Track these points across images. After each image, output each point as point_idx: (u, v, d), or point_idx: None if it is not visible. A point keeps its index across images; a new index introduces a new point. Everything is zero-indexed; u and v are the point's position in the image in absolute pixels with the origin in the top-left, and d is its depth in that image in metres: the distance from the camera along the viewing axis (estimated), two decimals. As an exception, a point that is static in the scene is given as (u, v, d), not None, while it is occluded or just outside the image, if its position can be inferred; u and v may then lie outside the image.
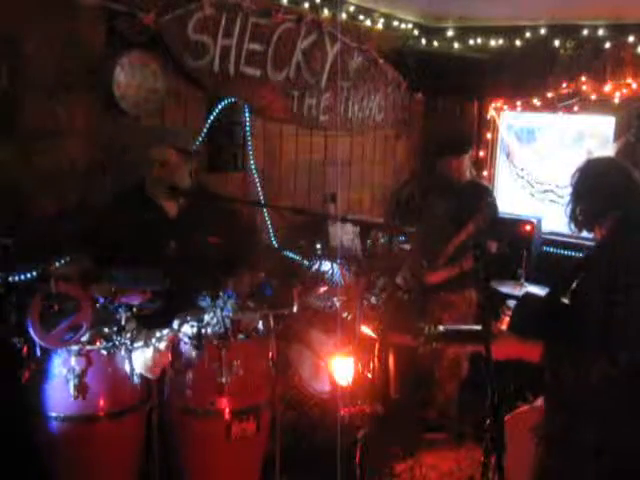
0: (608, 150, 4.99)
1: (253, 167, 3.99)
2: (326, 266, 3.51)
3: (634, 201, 2.14)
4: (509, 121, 5.48)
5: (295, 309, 2.81)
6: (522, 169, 5.46)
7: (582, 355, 2.01)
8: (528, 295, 3.75)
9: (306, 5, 4.09)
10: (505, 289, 4.13)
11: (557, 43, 4.96)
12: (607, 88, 4.82)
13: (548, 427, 2.17)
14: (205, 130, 3.67)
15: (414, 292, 4.13)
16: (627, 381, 1.99)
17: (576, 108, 4.99)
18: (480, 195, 4.07)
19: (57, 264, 2.58)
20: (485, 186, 4.40)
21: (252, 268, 3.13)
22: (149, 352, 2.42)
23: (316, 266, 3.43)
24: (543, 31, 4.95)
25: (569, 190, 2.23)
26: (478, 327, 2.05)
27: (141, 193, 3.00)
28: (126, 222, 2.82)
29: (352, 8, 4.48)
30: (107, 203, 3.03)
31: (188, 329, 2.58)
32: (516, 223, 5.00)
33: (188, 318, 2.62)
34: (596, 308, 2.01)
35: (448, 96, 5.45)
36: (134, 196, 3.01)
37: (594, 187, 2.19)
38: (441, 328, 2.19)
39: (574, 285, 2.14)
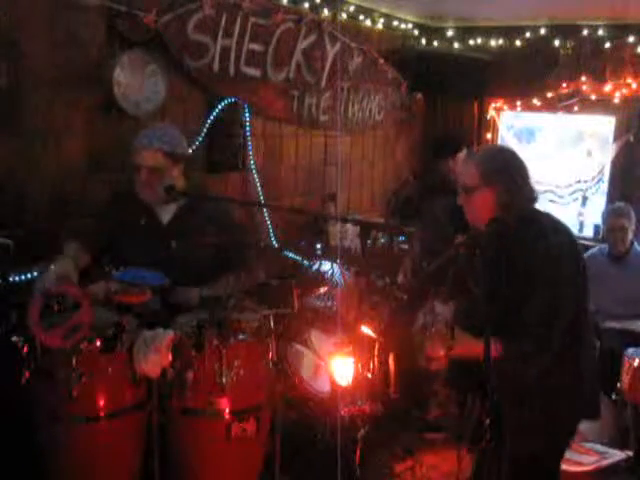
0: (608, 150, 5.00)
1: (253, 167, 3.99)
2: (326, 266, 3.51)
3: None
4: (509, 121, 5.48)
5: (295, 309, 2.80)
6: (522, 169, 5.46)
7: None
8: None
9: (306, 5, 4.09)
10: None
11: (557, 43, 4.96)
12: (607, 88, 4.83)
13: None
14: (205, 130, 3.67)
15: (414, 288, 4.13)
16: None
17: (576, 108, 4.99)
18: None
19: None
20: None
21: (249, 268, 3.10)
22: (149, 352, 2.42)
23: (316, 266, 3.43)
24: (543, 31, 4.96)
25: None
26: None
27: (136, 196, 2.86)
28: (122, 223, 2.78)
29: (352, 8, 4.49)
30: (106, 201, 2.95)
31: (188, 329, 2.58)
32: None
33: (188, 318, 2.63)
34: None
35: (448, 96, 5.45)
36: (130, 198, 2.87)
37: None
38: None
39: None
